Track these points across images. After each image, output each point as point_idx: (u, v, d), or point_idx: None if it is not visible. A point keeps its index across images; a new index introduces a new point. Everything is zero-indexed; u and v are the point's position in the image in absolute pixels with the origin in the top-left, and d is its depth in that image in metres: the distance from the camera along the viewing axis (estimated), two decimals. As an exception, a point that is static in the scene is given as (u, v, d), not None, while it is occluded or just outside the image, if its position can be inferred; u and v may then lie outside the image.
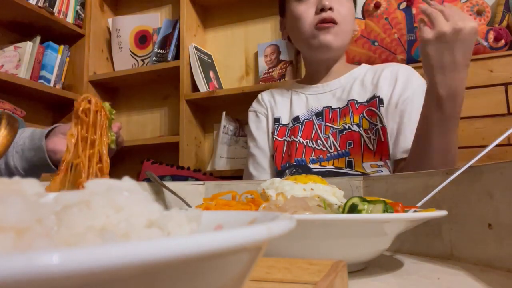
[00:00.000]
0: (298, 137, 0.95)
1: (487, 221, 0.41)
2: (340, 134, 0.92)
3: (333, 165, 0.90)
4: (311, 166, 0.91)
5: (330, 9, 0.90)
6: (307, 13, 0.92)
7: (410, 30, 1.45)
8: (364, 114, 0.91)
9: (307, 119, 0.97)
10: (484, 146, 0.43)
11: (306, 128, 0.96)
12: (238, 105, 1.82)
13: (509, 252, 0.38)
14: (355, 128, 0.90)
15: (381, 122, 0.89)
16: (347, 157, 0.89)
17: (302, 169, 0.91)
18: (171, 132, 1.97)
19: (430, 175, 0.49)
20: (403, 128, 0.86)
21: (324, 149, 0.92)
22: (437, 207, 0.44)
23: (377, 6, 1.51)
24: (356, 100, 0.94)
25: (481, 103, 1.35)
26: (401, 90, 0.91)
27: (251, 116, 1.08)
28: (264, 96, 1.07)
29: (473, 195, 0.43)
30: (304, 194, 0.45)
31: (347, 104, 0.94)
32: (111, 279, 0.10)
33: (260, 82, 1.74)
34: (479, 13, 1.40)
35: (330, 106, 0.96)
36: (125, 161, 2.07)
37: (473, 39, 0.68)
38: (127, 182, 0.18)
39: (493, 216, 0.40)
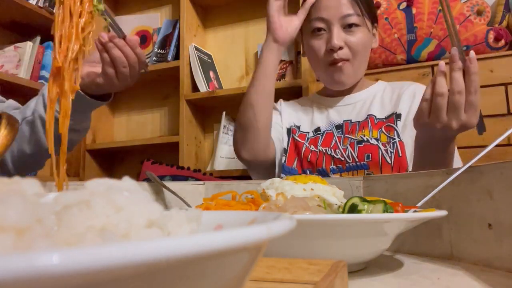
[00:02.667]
0: (319, 146, 0.96)
1: (487, 221, 0.41)
2: (358, 145, 0.92)
3: (352, 176, 0.91)
4: (333, 176, 0.92)
5: (340, 48, 0.90)
6: (320, 48, 0.93)
7: (410, 30, 1.45)
8: (383, 129, 0.93)
9: (328, 130, 0.99)
10: (484, 146, 0.43)
11: (326, 139, 0.97)
12: (238, 105, 1.81)
13: (509, 252, 0.38)
14: (373, 141, 0.91)
15: (399, 136, 0.90)
16: (366, 170, 0.90)
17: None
18: (171, 132, 1.97)
19: (430, 175, 0.49)
20: None
21: (343, 159, 0.92)
22: (437, 207, 0.44)
23: (377, 6, 1.51)
24: (375, 116, 0.95)
25: (481, 103, 1.34)
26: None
27: None
28: (283, 104, 1.08)
29: (473, 195, 0.43)
30: (304, 194, 0.45)
31: (366, 118, 0.96)
32: (111, 279, 0.10)
33: (260, 82, 1.74)
34: (479, 13, 1.40)
35: (350, 120, 0.98)
36: (125, 161, 2.07)
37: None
38: (127, 182, 0.18)
39: (493, 216, 0.40)
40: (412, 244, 0.49)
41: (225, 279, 0.15)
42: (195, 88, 1.79)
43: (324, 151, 0.95)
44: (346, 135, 0.96)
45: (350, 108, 1.00)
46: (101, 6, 0.49)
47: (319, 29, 0.93)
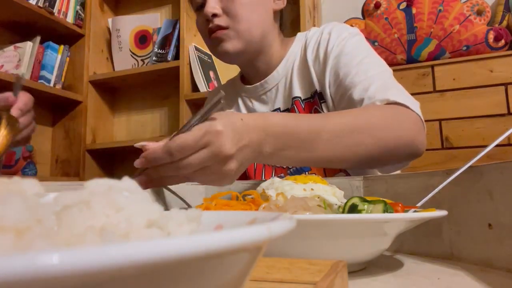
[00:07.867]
0: None
1: (487, 221, 0.41)
2: None
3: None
4: None
5: (216, 15, 0.78)
6: (203, 24, 0.81)
7: (410, 30, 1.45)
8: None
9: None
10: (484, 146, 0.43)
11: None
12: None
13: (509, 252, 0.38)
14: None
15: None
16: (307, 172, 0.78)
17: None
18: (171, 132, 1.97)
19: (430, 175, 0.49)
20: (350, 91, 0.71)
21: (284, 167, 0.81)
22: (437, 207, 0.44)
23: (377, 6, 1.51)
24: (300, 98, 0.82)
25: (481, 103, 1.35)
26: (323, 67, 0.78)
27: None
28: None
29: (473, 195, 0.43)
30: (304, 194, 0.45)
31: (292, 105, 0.83)
32: (111, 279, 0.10)
33: (260, 82, 1.74)
34: (479, 13, 1.40)
35: (279, 109, 0.85)
36: (125, 161, 2.07)
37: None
38: (127, 182, 0.18)
39: (493, 216, 0.40)
40: (412, 244, 0.49)
41: (225, 279, 0.15)
42: (195, 88, 1.79)
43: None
44: None
45: (273, 92, 0.86)
46: None
47: (201, 5, 0.81)
